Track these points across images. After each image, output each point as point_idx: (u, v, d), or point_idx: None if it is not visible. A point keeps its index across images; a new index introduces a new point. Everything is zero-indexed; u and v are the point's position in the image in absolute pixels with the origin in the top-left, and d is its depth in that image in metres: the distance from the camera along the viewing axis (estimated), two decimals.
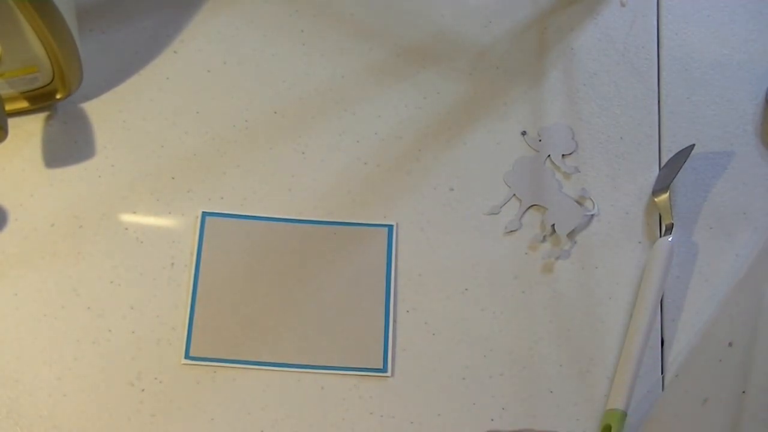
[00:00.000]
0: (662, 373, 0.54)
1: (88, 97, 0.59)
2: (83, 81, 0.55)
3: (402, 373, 0.53)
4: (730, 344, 0.54)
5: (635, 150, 0.61)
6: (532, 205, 0.58)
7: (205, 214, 0.56)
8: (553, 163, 0.60)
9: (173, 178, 0.57)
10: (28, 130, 0.58)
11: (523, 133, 0.60)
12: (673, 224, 0.57)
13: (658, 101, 0.62)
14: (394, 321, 0.54)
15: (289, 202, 0.57)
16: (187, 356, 0.52)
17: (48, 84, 0.55)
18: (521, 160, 0.60)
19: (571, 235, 0.57)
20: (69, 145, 0.57)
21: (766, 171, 0.61)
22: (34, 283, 0.53)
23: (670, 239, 0.56)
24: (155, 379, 0.52)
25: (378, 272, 0.55)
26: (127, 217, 0.56)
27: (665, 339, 0.55)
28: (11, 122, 0.56)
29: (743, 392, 0.52)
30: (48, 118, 0.58)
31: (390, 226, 0.56)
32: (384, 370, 0.53)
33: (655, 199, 0.58)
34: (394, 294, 0.55)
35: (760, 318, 0.54)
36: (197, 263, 0.54)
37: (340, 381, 0.52)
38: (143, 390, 0.51)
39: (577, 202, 0.58)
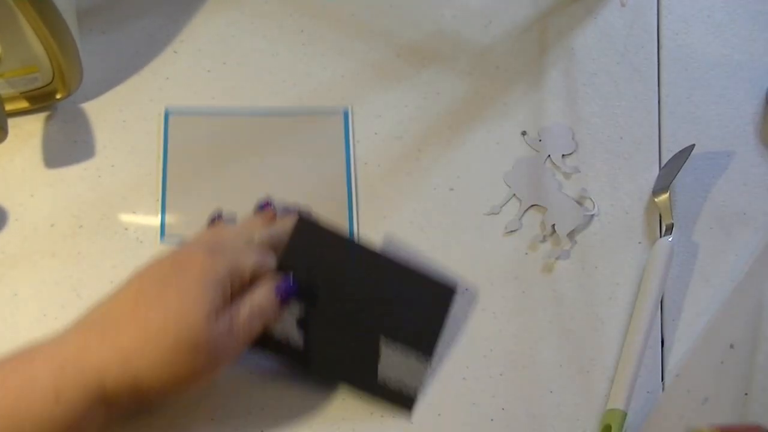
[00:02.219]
0: (662, 373, 0.54)
1: (88, 97, 0.59)
2: (83, 81, 0.55)
3: None
4: (731, 346, 0.54)
5: (635, 150, 0.61)
6: (532, 205, 0.58)
7: (168, 112, 0.58)
8: (553, 163, 0.60)
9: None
10: (28, 130, 0.58)
11: (523, 133, 0.61)
12: (673, 224, 0.57)
13: (658, 101, 0.62)
14: None
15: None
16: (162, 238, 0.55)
17: (48, 84, 0.55)
18: (521, 160, 0.60)
19: (571, 235, 0.57)
20: (69, 145, 0.57)
21: (766, 171, 0.61)
22: (34, 283, 0.53)
23: (670, 239, 0.56)
24: None
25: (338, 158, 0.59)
26: (127, 217, 0.56)
27: (665, 339, 0.55)
28: (11, 122, 0.56)
29: (746, 394, 0.52)
30: (48, 118, 0.58)
31: (345, 111, 0.60)
32: None
33: (655, 199, 0.58)
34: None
35: (761, 319, 0.54)
36: (164, 160, 0.57)
37: None
38: None
39: (577, 202, 0.59)
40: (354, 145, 0.59)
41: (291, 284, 0.49)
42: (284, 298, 0.49)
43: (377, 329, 0.51)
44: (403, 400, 0.51)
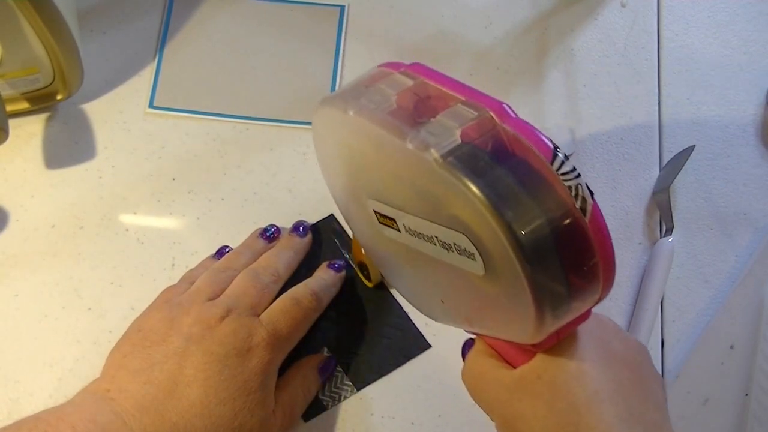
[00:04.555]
0: (662, 373, 0.54)
1: (88, 98, 0.59)
2: (84, 81, 0.55)
3: None
4: (731, 346, 0.54)
5: (635, 150, 0.61)
6: None
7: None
8: None
9: (174, 179, 0.57)
10: (29, 131, 0.58)
11: None
12: (673, 225, 0.57)
13: (658, 101, 0.62)
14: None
15: (291, 202, 0.57)
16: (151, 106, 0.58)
17: (49, 85, 0.55)
18: None
19: None
20: (70, 146, 0.57)
21: (766, 171, 0.61)
22: (35, 284, 0.53)
23: (670, 240, 0.56)
24: None
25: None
26: (128, 218, 0.56)
27: (665, 339, 0.55)
28: (12, 123, 0.56)
29: (746, 395, 0.52)
30: (49, 119, 0.58)
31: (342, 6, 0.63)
32: None
33: (655, 200, 0.58)
34: None
35: (761, 320, 0.54)
36: (163, 35, 0.60)
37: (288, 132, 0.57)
38: None
39: None
40: None
41: (334, 363, 0.51)
42: (326, 378, 0.51)
43: (325, 342, 0.52)
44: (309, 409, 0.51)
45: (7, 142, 0.51)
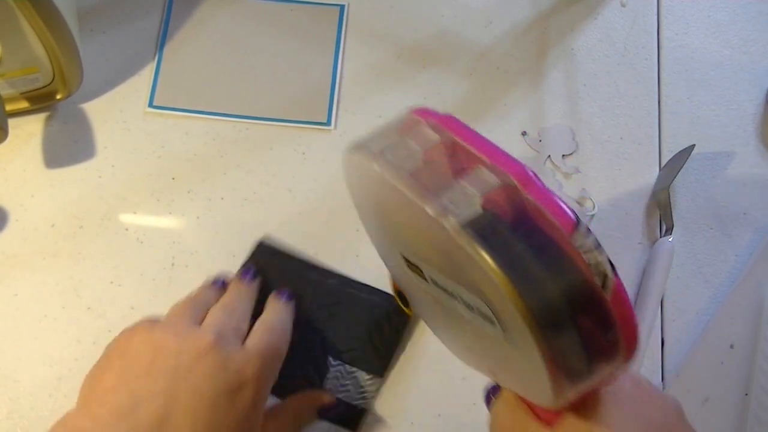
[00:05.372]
0: (662, 373, 0.54)
1: (88, 97, 0.59)
2: (83, 81, 0.55)
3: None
4: (731, 346, 0.54)
5: (635, 150, 0.61)
6: None
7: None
8: (553, 163, 0.60)
9: (173, 179, 0.57)
10: (29, 131, 0.58)
11: (523, 134, 0.61)
12: (673, 224, 0.57)
13: (658, 101, 0.62)
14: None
15: (290, 202, 0.57)
16: (151, 105, 0.57)
17: (48, 84, 0.55)
18: (521, 161, 0.59)
19: None
20: (69, 146, 0.57)
21: (766, 171, 0.61)
22: (35, 284, 0.53)
23: (670, 239, 0.56)
24: None
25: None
26: (128, 218, 0.56)
27: (665, 339, 0.55)
28: (11, 122, 0.56)
29: (746, 394, 0.52)
30: (48, 119, 0.58)
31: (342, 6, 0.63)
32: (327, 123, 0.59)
33: (655, 199, 0.58)
34: None
35: (761, 320, 0.54)
36: (163, 35, 0.61)
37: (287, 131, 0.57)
38: None
39: (577, 202, 0.59)
40: None
41: (341, 409, 0.50)
42: (325, 416, 0.50)
43: (325, 349, 0.52)
44: (345, 420, 0.51)
45: (7, 141, 0.51)
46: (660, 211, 0.58)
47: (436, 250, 0.33)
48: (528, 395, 0.36)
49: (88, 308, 0.53)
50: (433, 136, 0.33)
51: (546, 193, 0.30)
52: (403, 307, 0.53)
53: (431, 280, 0.35)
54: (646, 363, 0.54)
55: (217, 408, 0.40)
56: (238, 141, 0.59)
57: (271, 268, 0.53)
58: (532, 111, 0.61)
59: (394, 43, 0.63)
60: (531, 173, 0.31)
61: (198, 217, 0.56)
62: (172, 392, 0.40)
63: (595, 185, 0.59)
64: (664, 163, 0.60)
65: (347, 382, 0.51)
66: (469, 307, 0.33)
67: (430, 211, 0.30)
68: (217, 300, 0.48)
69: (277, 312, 0.50)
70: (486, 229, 0.29)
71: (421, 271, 0.36)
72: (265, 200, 0.57)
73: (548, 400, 0.32)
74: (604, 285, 0.29)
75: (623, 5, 0.66)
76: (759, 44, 0.65)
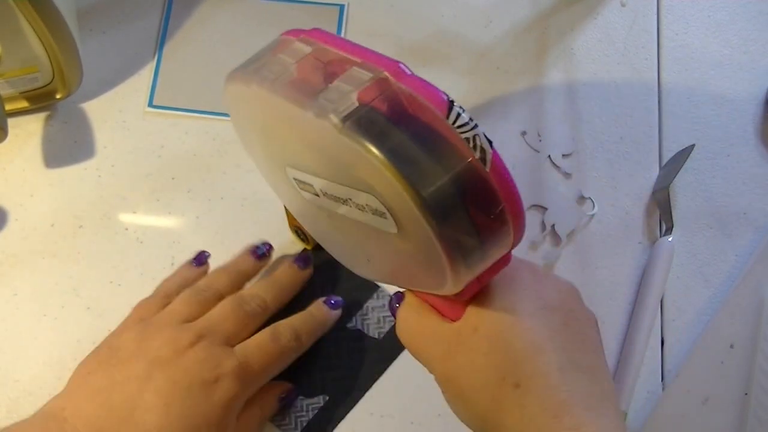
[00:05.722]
0: (662, 373, 0.54)
1: (88, 97, 0.59)
2: (83, 81, 0.55)
3: None
4: (731, 346, 0.54)
5: (635, 150, 0.61)
6: (532, 205, 0.58)
7: None
8: (553, 163, 0.60)
9: (173, 179, 0.57)
10: (28, 130, 0.58)
11: (523, 133, 0.60)
12: (673, 224, 0.57)
13: (658, 101, 0.62)
14: None
15: None
16: (150, 105, 0.58)
17: (48, 84, 0.55)
18: (521, 161, 0.60)
19: (571, 235, 0.57)
20: (69, 145, 0.57)
21: (766, 171, 0.61)
22: (34, 283, 0.53)
23: (670, 239, 0.56)
24: None
25: None
26: (127, 217, 0.56)
27: (665, 339, 0.55)
28: (11, 122, 0.56)
29: (746, 394, 0.52)
30: (48, 118, 0.58)
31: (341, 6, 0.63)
32: None
33: (655, 199, 0.58)
34: None
35: (761, 319, 0.54)
36: (163, 34, 0.60)
37: None
38: None
39: (577, 202, 0.59)
40: None
41: (296, 394, 0.50)
42: (285, 406, 0.50)
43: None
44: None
45: (7, 141, 0.51)
46: (660, 211, 0.58)
47: (322, 155, 0.33)
48: (428, 286, 0.36)
49: (88, 308, 0.53)
50: (305, 48, 0.34)
51: (417, 80, 0.31)
52: (302, 242, 0.52)
53: (322, 192, 0.36)
54: (646, 363, 0.54)
55: (190, 396, 0.42)
56: (238, 141, 0.58)
57: (324, 263, 0.53)
58: (532, 111, 0.61)
59: (394, 43, 0.63)
60: (401, 65, 0.32)
61: (198, 217, 0.56)
62: (147, 377, 0.42)
63: (595, 185, 0.59)
64: (664, 163, 0.60)
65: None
66: (360, 208, 0.33)
67: (309, 113, 0.31)
68: (246, 275, 0.50)
69: (309, 317, 0.50)
70: (364, 120, 0.30)
71: (312, 186, 0.36)
72: (265, 200, 0.57)
73: (447, 285, 0.32)
74: (483, 159, 0.30)
75: (623, 5, 0.66)
76: (759, 44, 0.65)
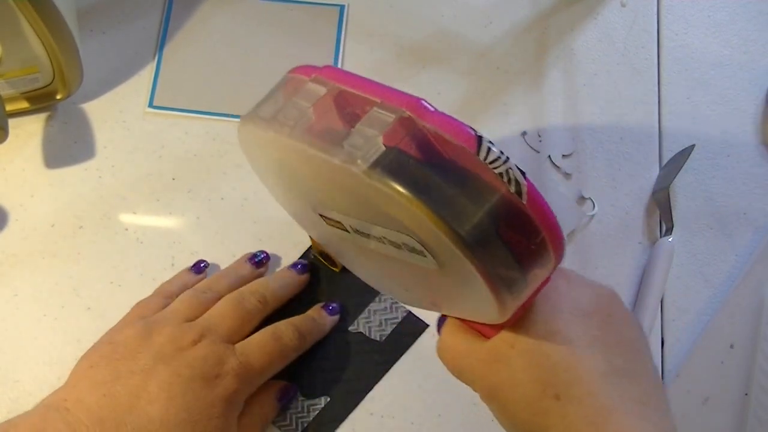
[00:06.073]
0: (662, 374, 0.54)
1: (88, 97, 0.59)
2: (83, 81, 0.55)
3: None
4: (731, 346, 0.54)
5: (635, 150, 0.61)
6: None
7: None
8: (553, 163, 0.60)
9: (173, 179, 0.57)
10: (29, 131, 0.58)
11: (523, 134, 0.60)
12: (673, 224, 0.57)
13: (658, 101, 0.62)
14: None
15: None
16: (150, 105, 0.58)
17: (48, 84, 0.55)
18: (521, 161, 0.60)
19: (571, 235, 0.57)
20: (69, 145, 0.57)
21: (766, 171, 0.61)
22: (34, 284, 0.53)
23: (670, 239, 0.56)
24: None
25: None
26: (128, 218, 0.56)
27: (665, 339, 0.55)
28: (11, 122, 0.56)
29: (746, 394, 0.52)
30: (48, 119, 0.58)
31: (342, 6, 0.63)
32: None
33: (655, 199, 0.58)
34: None
35: (761, 319, 0.54)
36: (163, 35, 0.61)
37: None
38: None
39: (577, 202, 0.59)
40: None
41: (294, 390, 0.50)
42: (285, 405, 0.50)
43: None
44: None
45: (7, 141, 0.51)
46: (660, 211, 0.58)
47: (351, 197, 0.33)
48: (475, 317, 0.36)
49: (88, 308, 0.53)
50: (319, 89, 0.33)
51: (442, 117, 0.30)
52: (328, 265, 0.52)
53: (352, 229, 0.35)
54: None
55: (192, 389, 0.42)
56: (239, 141, 0.59)
57: (323, 270, 0.53)
58: (532, 111, 0.61)
59: (394, 43, 0.63)
60: (423, 102, 0.31)
61: (198, 217, 0.56)
62: (151, 370, 0.43)
63: (595, 185, 0.59)
64: (664, 163, 0.60)
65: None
66: (396, 245, 0.33)
67: (335, 160, 0.30)
68: (245, 280, 0.50)
69: (310, 320, 0.50)
70: (394, 164, 0.29)
71: (341, 223, 0.36)
72: (265, 200, 0.57)
73: (495, 315, 0.32)
74: (518, 192, 0.30)
75: (623, 5, 0.66)
76: (759, 44, 0.65)
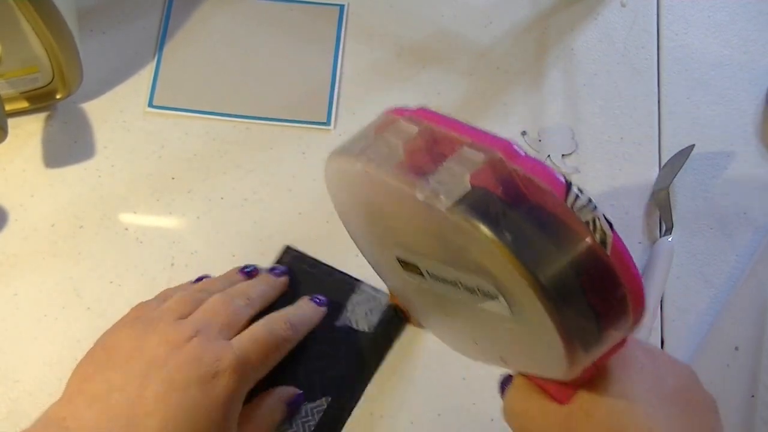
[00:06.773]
0: None
1: (88, 97, 0.59)
2: (83, 81, 0.55)
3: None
4: (736, 348, 0.54)
5: (635, 150, 0.61)
6: None
7: None
8: (553, 163, 0.60)
9: (173, 179, 0.57)
10: (28, 130, 0.58)
11: (523, 133, 0.61)
12: (673, 224, 0.57)
13: (658, 101, 0.62)
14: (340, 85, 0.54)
15: (290, 202, 0.57)
16: (150, 105, 0.58)
17: (48, 84, 0.55)
18: None
19: None
20: (69, 145, 0.57)
21: (766, 171, 0.61)
22: (35, 284, 0.53)
23: (670, 239, 0.56)
24: None
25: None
26: (128, 217, 0.56)
27: (665, 339, 0.55)
28: (11, 122, 0.56)
29: (752, 396, 0.52)
30: (48, 118, 0.58)
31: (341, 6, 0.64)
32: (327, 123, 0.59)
33: (655, 199, 0.58)
34: None
35: (766, 321, 0.54)
36: (163, 35, 0.61)
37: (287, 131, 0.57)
38: None
39: None
40: None
41: (302, 398, 0.50)
42: (293, 412, 0.49)
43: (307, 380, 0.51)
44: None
45: (7, 141, 0.51)
46: (660, 211, 0.58)
47: (432, 237, 0.32)
48: (542, 371, 0.35)
49: (88, 308, 0.53)
50: (411, 128, 0.33)
51: (533, 162, 0.30)
52: (403, 319, 0.53)
53: (429, 274, 0.35)
54: None
55: (188, 395, 0.41)
56: (238, 141, 0.59)
57: (300, 272, 0.53)
58: (532, 111, 0.61)
59: (394, 42, 0.63)
60: (514, 145, 0.30)
61: (198, 217, 0.56)
62: (145, 380, 0.41)
63: (594, 185, 0.59)
64: (664, 163, 0.60)
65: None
66: (470, 290, 0.32)
67: (420, 195, 0.30)
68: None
69: (302, 309, 0.50)
70: (479, 203, 0.29)
71: (418, 267, 0.36)
72: (265, 200, 0.57)
73: (563, 372, 0.31)
74: (603, 242, 0.29)
75: (623, 5, 0.66)
76: (759, 44, 0.65)
